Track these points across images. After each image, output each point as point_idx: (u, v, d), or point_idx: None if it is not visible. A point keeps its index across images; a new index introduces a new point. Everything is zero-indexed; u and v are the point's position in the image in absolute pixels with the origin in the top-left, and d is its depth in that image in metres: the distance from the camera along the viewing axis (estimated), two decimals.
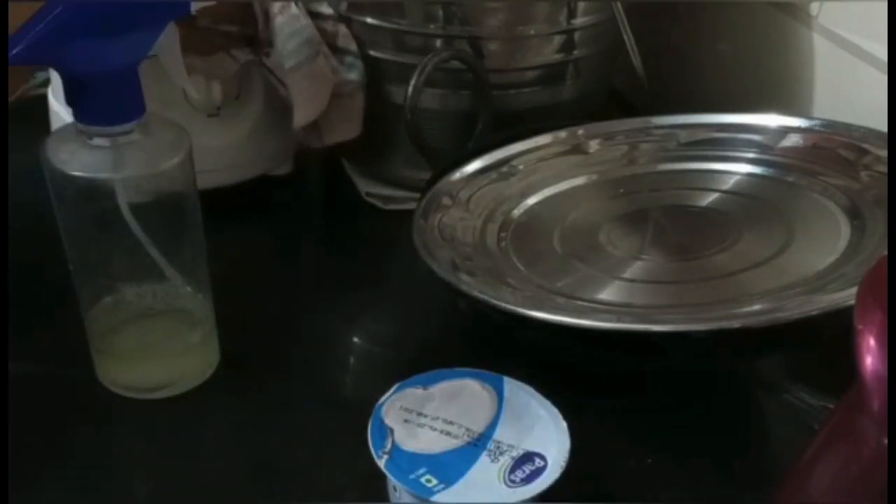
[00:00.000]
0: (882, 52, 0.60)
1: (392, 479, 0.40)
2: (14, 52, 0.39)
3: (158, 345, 0.54)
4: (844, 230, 0.54)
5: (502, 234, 0.60)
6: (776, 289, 0.49)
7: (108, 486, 0.47)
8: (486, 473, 0.40)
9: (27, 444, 0.48)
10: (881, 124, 0.57)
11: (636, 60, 0.69)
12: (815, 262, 0.51)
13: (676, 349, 0.50)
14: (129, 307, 0.52)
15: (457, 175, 0.63)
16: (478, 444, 0.42)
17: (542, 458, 0.41)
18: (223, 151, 0.67)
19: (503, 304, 0.49)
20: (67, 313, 0.53)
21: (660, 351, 0.51)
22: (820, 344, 0.51)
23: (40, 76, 0.70)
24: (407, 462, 0.40)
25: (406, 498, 0.40)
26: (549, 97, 0.70)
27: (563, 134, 0.67)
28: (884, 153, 0.57)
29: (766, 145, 0.63)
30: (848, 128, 0.60)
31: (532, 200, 0.63)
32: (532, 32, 0.67)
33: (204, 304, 0.53)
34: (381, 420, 0.43)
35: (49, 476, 0.47)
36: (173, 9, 0.43)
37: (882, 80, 0.61)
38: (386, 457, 0.41)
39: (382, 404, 0.43)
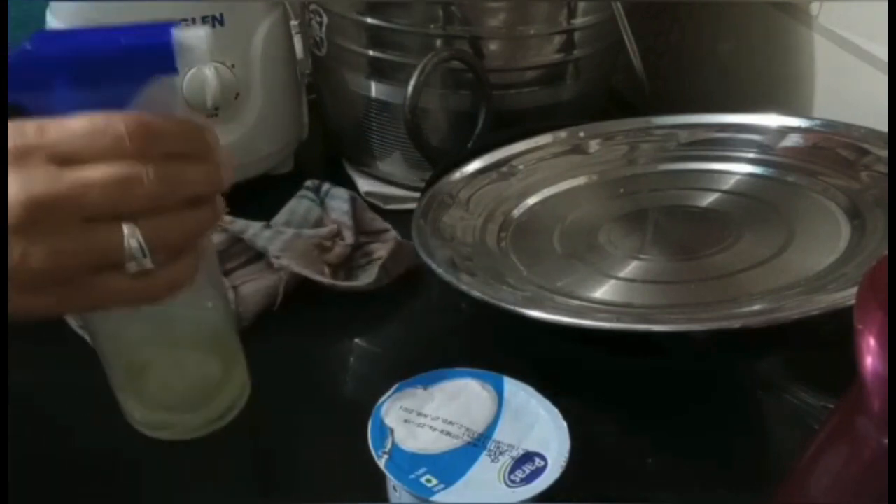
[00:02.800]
0: (882, 52, 0.60)
1: (392, 479, 0.40)
2: None
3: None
4: (844, 230, 0.54)
5: (502, 234, 0.60)
6: (776, 289, 0.49)
7: (106, 484, 0.47)
8: (486, 473, 0.40)
9: None
10: (881, 124, 0.57)
11: (636, 60, 0.69)
12: (815, 262, 0.51)
13: (676, 349, 0.50)
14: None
15: (457, 175, 0.63)
16: (478, 444, 0.42)
17: (542, 458, 0.41)
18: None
19: (503, 304, 0.49)
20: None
21: (660, 351, 0.51)
22: (820, 344, 0.51)
23: None
24: (407, 462, 0.40)
25: (406, 498, 0.40)
26: (549, 97, 0.70)
27: (563, 134, 0.67)
28: (884, 153, 0.57)
29: (766, 145, 0.63)
30: (848, 128, 0.60)
31: (532, 200, 0.63)
32: (532, 32, 0.67)
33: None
34: (381, 420, 0.43)
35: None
36: (155, 64, 0.40)
37: (882, 80, 0.61)
38: (386, 457, 0.41)
39: (382, 404, 0.43)
